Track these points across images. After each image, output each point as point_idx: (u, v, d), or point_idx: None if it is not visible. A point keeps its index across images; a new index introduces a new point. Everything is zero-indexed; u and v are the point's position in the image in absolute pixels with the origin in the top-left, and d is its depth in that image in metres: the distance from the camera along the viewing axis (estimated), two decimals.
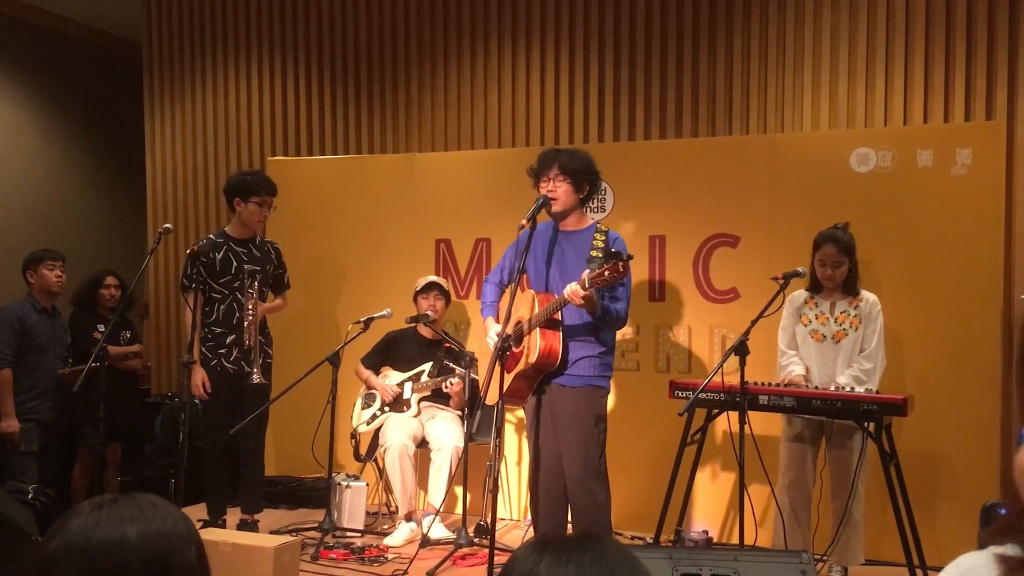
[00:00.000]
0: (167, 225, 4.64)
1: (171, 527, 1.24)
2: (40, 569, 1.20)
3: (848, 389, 3.91)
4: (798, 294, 4.25)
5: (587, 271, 3.60)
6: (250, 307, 4.67)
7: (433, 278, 5.14)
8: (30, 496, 4.34)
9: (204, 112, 7.01)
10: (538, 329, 3.83)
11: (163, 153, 7.17)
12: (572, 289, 3.61)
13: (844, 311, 4.14)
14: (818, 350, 4.15)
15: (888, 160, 4.64)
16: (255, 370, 4.64)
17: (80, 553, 1.18)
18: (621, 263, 3.47)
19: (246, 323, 4.68)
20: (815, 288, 4.21)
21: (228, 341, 4.70)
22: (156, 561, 1.21)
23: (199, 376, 4.66)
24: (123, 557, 1.19)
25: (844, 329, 4.11)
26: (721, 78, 5.48)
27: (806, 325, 4.20)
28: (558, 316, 3.85)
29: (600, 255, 3.66)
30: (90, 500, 1.26)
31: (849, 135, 4.93)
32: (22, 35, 7.48)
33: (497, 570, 3.75)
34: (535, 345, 3.82)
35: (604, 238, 3.86)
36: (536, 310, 3.89)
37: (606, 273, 3.49)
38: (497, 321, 4.06)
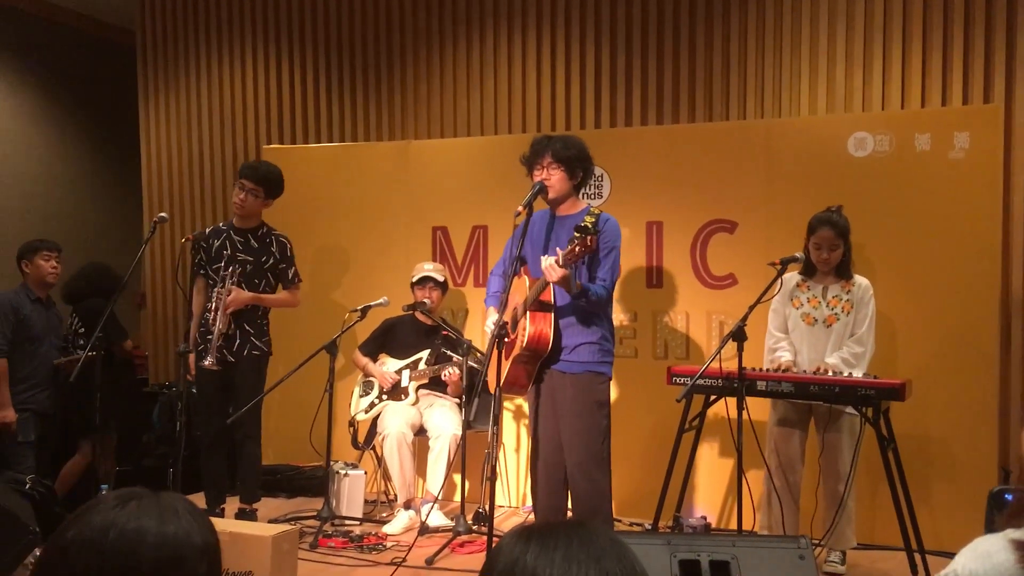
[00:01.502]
0: (162, 214, 4.63)
1: (187, 535, 1.21)
2: (56, 557, 1.19)
3: (837, 372, 3.91)
4: (790, 277, 4.23)
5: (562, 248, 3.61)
6: (217, 292, 4.66)
7: (428, 269, 5.10)
8: (27, 487, 4.32)
9: (199, 100, 6.98)
10: (528, 313, 3.83)
11: (158, 142, 7.14)
12: (548, 263, 3.61)
13: (836, 295, 4.13)
14: (809, 334, 4.15)
15: (886, 144, 4.63)
16: (209, 355, 4.61)
17: (94, 547, 1.17)
18: (589, 237, 3.49)
19: (212, 307, 4.67)
20: (808, 271, 4.20)
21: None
22: (168, 567, 1.19)
23: (191, 361, 4.70)
24: (136, 559, 1.17)
25: (836, 313, 4.11)
26: (718, 63, 5.45)
27: (798, 308, 4.19)
28: (550, 299, 3.84)
29: (579, 232, 3.66)
30: (115, 493, 1.24)
31: (846, 119, 4.91)
32: (15, 24, 7.43)
33: None
34: (525, 330, 3.82)
35: (594, 220, 3.84)
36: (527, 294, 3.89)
37: (576, 248, 3.51)
38: (497, 311, 4.06)
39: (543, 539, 1.16)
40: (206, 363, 4.58)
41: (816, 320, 4.14)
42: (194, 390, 4.85)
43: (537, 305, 3.83)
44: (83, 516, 1.21)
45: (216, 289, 4.67)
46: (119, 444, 5.75)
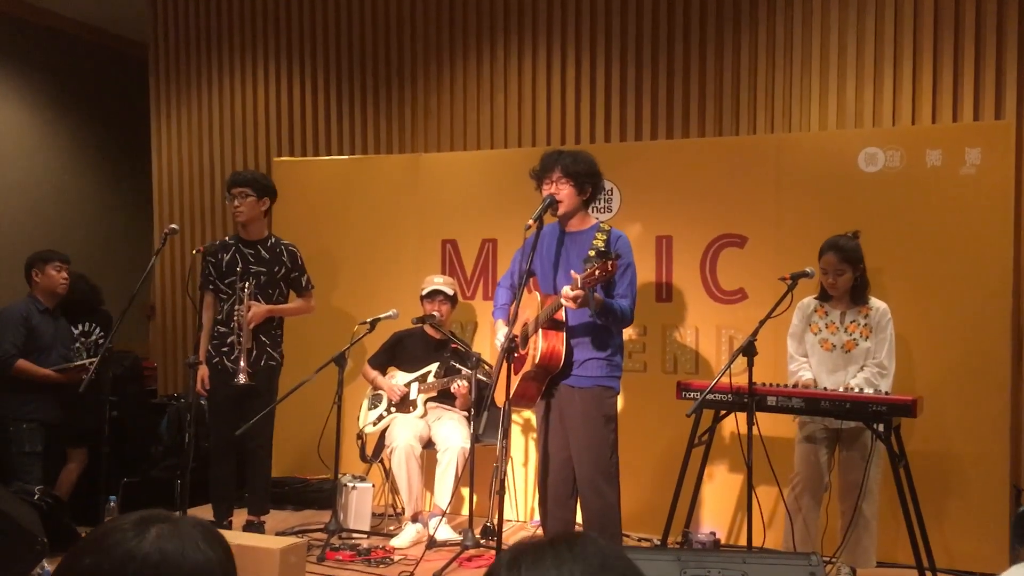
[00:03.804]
0: (173, 226, 4.65)
1: (208, 564, 1.18)
2: None
3: (857, 391, 3.89)
4: (808, 302, 4.22)
5: (579, 271, 3.60)
6: (238, 307, 4.68)
7: (438, 283, 5.09)
8: (36, 497, 4.33)
9: (210, 113, 7.01)
10: (541, 331, 3.82)
11: (169, 154, 7.17)
12: (565, 291, 3.61)
13: (854, 320, 4.10)
14: (829, 359, 4.12)
15: (897, 160, 4.62)
16: (241, 370, 4.63)
17: (116, 573, 1.13)
18: (610, 262, 3.48)
19: (233, 323, 4.69)
20: (824, 296, 4.18)
21: (230, 340, 4.72)
22: None
23: (202, 373, 4.72)
24: None
25: (854, 339, 4.08)
26: (728, 78, 5.45)
27: (816, 334, 4.16)
28: (562, 317, 3.84)
29: (594, 254, 3.65)
30: (132, 517, 1.19)
31: (857, 135, 4.90)
32: (29, 36, 7.48)
33: None
34: (538, 347, 3.81)
35: (605, 237, 3.84)
36: (540, 312, 3.88)
37: (596, 272, 3.50)
38: (507, 323, 4.06)
39: (533, 559, 1.10)
40: (240, 380, 4.60)
41: (835, 346, 4.11)
42: (205, 402, 4.86)
43: (550, 323, 3.82)
44: (101, 543, 1.15)
45: (236, 307, 4.68)
46: (127, 455, 5.74)
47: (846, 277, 4.05)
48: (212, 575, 1.19)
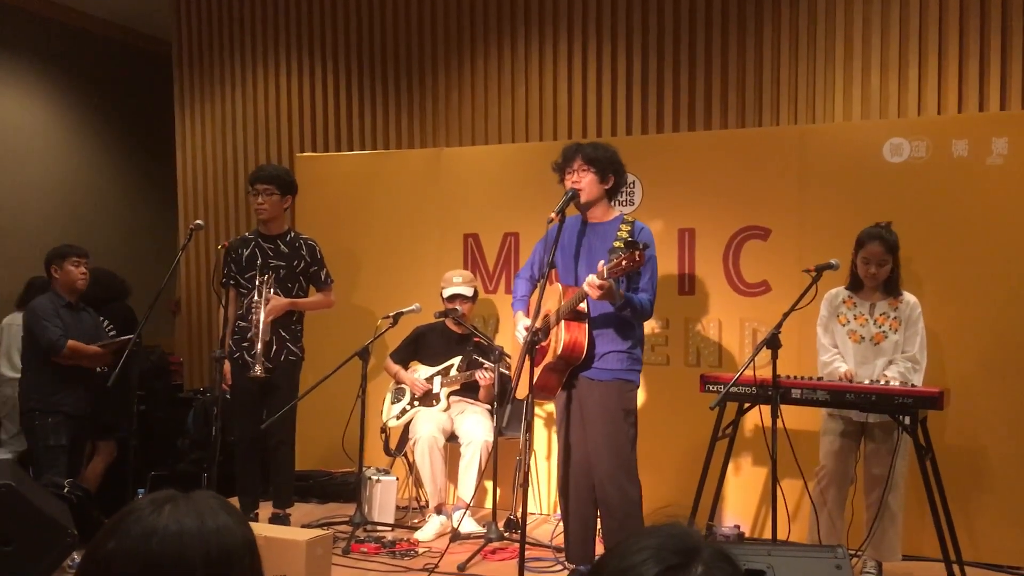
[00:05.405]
0: (198, 221, 4.68)
1: (229, 530, 1.19)
2: (98, 570, 1.15)
3: (895, 383, 3.84)
4: (836, 292, 4.18)
5: (605, 261, 3.59)
6: (255, 301, 4.71)
7: (456, 283, 5.05)
8: (65, 490, 4.37)
9: (234, 109, 7.05)
10: (563, 322, 3.82)
11: (194, 150, 7.23)
12: (590, 280, 3.60)
13: (884, 312, 4.06)
14: (856, 351, 4.08)
15: (922, 150, 4.57)
16: (257, 363, 4.66)
17: (139, 556, 1.14)
18: (637, 252, 3.46)
19: (251, 316, 4.72)
20: (855, 286, 4.14)
21: (249, 335, 4.75)
22: (219, 564, 1.17)
23: (226, 368, 4.77)
24: (185, 563, 1.14)
25: (884, 331, 4.04)
26: (751, 69, 5.42)
27: (844, 325, 4.13)
28: (584, 309, 3.84)
29: (621, 245, 3.64)
30: (148, 497, 1.21)
31: (882, 125, 4.86)
32: (53, 34, 7.56)
33: (527, 564, 3.75)
34: (560, 338, 3.81)
35: (629, 228, 3.84)
36: (563, 303, 3.88)
37: (623, 263, 3.48)
38: (527, 315, 4.06)
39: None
40: (256, 372, 4.63)
41: (863, 338, 4.07)
42: (228, 396, 4.90)
43: (572, 315, 3.83)
44: (120, 525, 1.17)
45: (254, 299, 4.72)
46: (154, 449, 5.80)
47: (887, 267, 4.02)
48: (235, 539, 1.20)
